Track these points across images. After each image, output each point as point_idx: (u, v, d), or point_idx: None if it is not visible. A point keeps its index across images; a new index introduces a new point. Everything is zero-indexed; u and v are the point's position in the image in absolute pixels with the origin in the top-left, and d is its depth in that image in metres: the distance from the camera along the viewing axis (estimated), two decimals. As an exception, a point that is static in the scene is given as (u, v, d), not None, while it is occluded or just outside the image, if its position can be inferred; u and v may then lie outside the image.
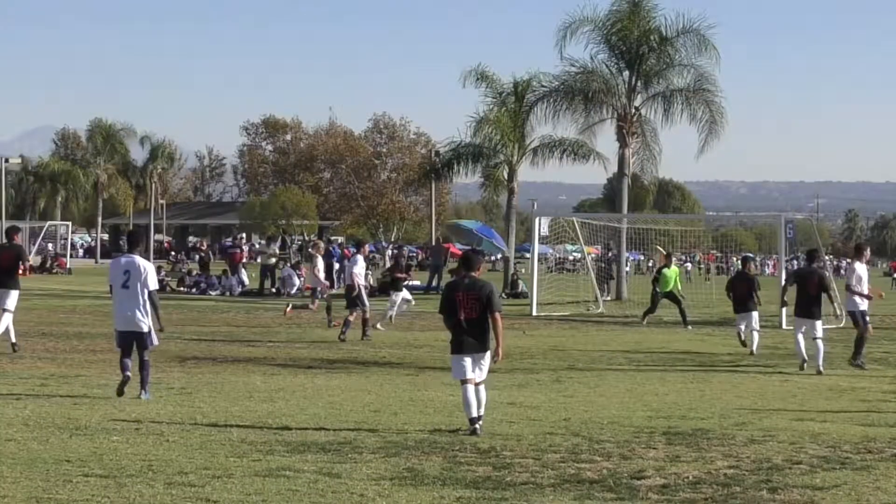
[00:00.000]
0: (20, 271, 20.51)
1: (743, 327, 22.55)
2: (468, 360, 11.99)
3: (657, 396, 15.47)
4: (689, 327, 28.84)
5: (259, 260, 46.39)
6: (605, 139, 45.62)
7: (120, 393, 14.22)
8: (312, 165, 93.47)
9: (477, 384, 12.04)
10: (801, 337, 19.62)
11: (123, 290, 14.28)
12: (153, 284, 14.44)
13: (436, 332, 26.56)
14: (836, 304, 20.60)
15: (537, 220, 37.56)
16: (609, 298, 40.03)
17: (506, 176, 45.76)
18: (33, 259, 50.65)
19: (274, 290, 42.02)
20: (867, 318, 19.81)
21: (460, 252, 56.17)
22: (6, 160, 67.14)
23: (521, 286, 42.87)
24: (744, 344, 22.33)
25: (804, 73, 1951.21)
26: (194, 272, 46.61)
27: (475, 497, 8.99)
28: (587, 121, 43.79)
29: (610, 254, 46.91)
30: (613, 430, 12.27)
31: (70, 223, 79.39)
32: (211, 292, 42.11)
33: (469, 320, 11.99)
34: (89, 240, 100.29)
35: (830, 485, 9.55)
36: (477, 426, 11.92)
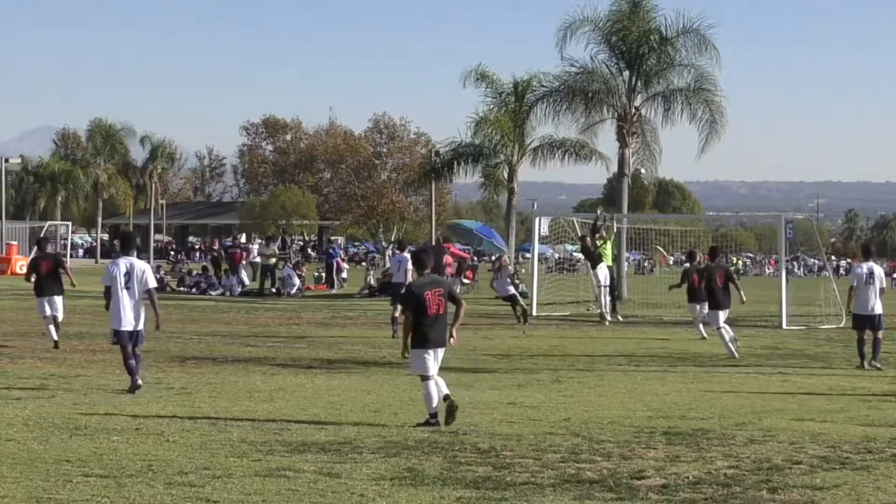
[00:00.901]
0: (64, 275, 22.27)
1: (701, 321, 23.74)
2: (431, 355, 12.51)
3: (657, 396, 15.47)
4: (609, 321, 29.50)
5: (259, 260, 46.35)
6: (606, 139, 45.69)
7: (133, 391, 14.75)
8: (312, 165, 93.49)
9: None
10: (702, 326, 22.70)
11: (126, 290, 14.96)
12: (153, 282, 15.23)
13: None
14: (741, 293, 21.80)
15: (537, 220, 37.55)
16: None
17: (506, 176, 45.78)
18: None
19: (274, 290, 42.03)
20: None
21: (460, 252, 56.17)
22: (6, 160, 67.19)
23: (522, 286, 42.82)
24: (704, 337, 23.47)
25: (804, 73, 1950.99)
26: (194, 272, 46.63)
27: (475, 497, 8.99)
28: (587, 121, 43.78)
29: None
30: (613, 430, 12.27)
31: (70, 223, 79.37)
32: (211, 292, 42.11)
33: (437, 316, 12.52)
34: (89, 240, 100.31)
35: (830, 485, 9.54)
36: (452, 410, 12.30)
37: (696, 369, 19.19)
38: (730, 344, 21.13)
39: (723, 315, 21.29)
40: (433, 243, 54.23)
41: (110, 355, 19.45)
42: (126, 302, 14.97)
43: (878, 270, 19.78)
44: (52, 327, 21.02)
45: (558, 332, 27.36)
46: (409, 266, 26.16)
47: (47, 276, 21.42)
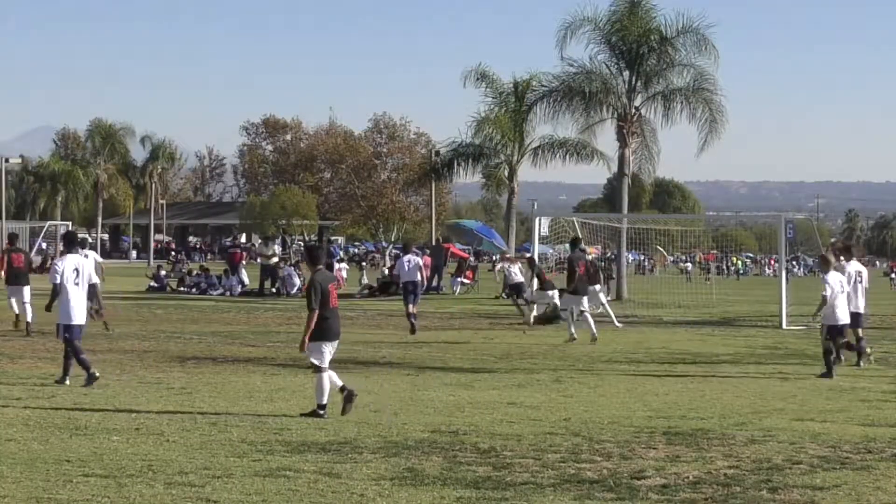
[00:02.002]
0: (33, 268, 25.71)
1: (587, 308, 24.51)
2: (330, 347, 13.08)
3: (657, 396, 15.47)
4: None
5: (258, 261, 46.31)
6: (606, 139, 45.65)
7: (92, 382, 15.24)
8: (312, 165, 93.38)
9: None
10: (588, 315, 24.00)
11: (75, 286, 15.62)
12: (96, 278, 16.26)
13: (436, 331, 26.59)
14: (609, 285, 23.46)
15: (537, 220, 37.52)
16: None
17: (506, 176, 45.80)
18: (33, 259, 51.06)
19: (274, 290, 42.02)
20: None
21: (460, 252, 56.11)
22: (6, 160, 67.18)
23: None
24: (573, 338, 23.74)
25: (805, 74, 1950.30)
26: (194, 272, 46.66)
27: (475, 497, 8.99)
28: (587, 121, 43.79)
29: (609, 253, 46.98)
30: (613, 430, 12.27)
31: (70, 223, 79.35)
32: (211, 292, 42.12)
33: (335, 308, 13.24)
34: (90, 240, 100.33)
35: (830, 485, 9.54)
36: (351, 397, 12.92)
37: (696, 369, 19.19)
38: (593, 326, 23.61)
39: (584, 301, 23.95)
40: (433, 243, 54.34)
41: (110, 355, 19.48)
42: (77, 297, 15.58)
43: (863, 270, 20.42)
44: (19, 312, 23.64)
45: (559, 332, 27.35)
46: (420, 264, 27.01)
47: (18, 268, 24.14)
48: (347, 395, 12.94)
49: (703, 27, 41.80)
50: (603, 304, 28.61)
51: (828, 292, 18.18)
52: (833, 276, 18.45)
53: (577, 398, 15.14)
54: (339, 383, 13.05)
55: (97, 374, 15.35)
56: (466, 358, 20.56)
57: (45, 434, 11.54)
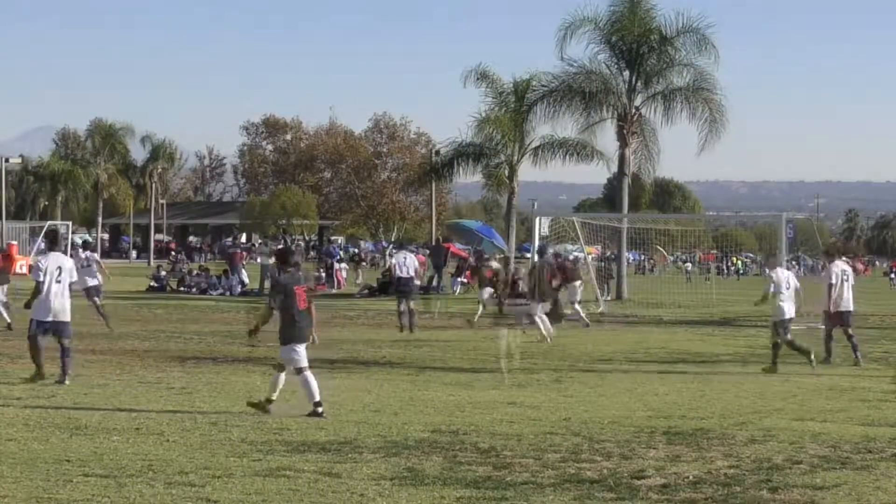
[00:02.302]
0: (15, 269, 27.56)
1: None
2: (302, 348, 13.09)
3: (657, 396, 15.47)
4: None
5: (259, 261, 46.31)
6: (606, 139, 45.62)
7: (37, 380, 15.50)
8: (313, 165, 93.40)
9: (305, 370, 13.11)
10: (538, 320, 24.06)
11: (57, 283, 15.87)
12: (75, 277, 16.60)
13: (435, 331, 26.58)
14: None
15: (537, 219, 37.52)
16: (609, 298, 39.99)
17: (506, 176, 45.82)
18: (33, 259, 51.11)
19: (274, 290, 41.97)
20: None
21: (460, 252, 56.07)
22: (6, 160, 67.18)
23: (521, 286, 42.77)
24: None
25: (804, 73, 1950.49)
26: (194, 272, 46.65)
27: (475, 497, 8.99)
28: (587, 121, 43.79)
29: (609, 253, 46.96)
30: (613, 430, 12.27)
31: (70, 223, 79.35)
32: (211, 292, 42.12)
33: (304, 310, 13.15)
34: (90, 240, 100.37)
35: (831, 484, 9.54)
36: (320, 409, 12.86)
37: (696, 369, 19.19)
38: (544, 330, 23.49)
39: (542, 307, 24.10)
40: (433, 243, 54.33)
41: (110, 355, 19.50)
42: (57, 294, 15.81)
43: (848, 269, 20.70)
44: (3, 311, 24.82)
45: (558, 332, 27.33)
46: (413, 262, 27.17)
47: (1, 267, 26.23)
48: (262, 406, 13.04)
49: (702, 27, 41.86)
50: (574, 304, 28.60)
51: (770, 288, 18.91)
52: (779, 273, 19.17)
53: (577, 398, 15.14)
54: (275, 396, 13.14)
55: (45, 376, 15.59)
56: (466, 358, 20.57)
57: (45, 434, 11.54)
